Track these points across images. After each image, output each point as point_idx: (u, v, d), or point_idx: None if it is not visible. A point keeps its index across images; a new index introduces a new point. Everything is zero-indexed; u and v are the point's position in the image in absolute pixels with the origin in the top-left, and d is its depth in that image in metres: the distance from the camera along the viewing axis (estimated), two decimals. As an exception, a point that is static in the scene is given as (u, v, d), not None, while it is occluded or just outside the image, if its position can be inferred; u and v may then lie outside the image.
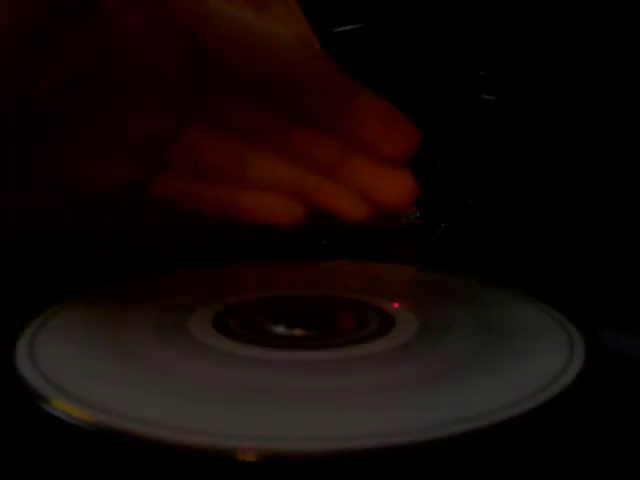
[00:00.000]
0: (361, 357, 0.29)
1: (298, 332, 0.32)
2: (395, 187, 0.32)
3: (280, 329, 0.32)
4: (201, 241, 0.43)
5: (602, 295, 0.34)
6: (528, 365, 0.29)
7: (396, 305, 0.35)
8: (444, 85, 0.41)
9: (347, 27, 0.42)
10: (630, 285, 0.35)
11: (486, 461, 0.23)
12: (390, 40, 0.42)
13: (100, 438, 0.23)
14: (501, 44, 0.37)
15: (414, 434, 0.23)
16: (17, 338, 0.29)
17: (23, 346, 0.29)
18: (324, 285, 0.38)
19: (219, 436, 0.23)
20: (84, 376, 0.27)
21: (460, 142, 0.42)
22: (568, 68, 0.36)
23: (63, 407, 0.25)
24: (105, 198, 0.33)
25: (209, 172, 0.34)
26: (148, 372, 0.28)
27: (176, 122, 0.33)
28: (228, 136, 0.34)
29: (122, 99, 0.32)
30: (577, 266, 0.37)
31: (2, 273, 0.35)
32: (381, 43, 0.43)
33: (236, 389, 0.27)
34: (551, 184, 0.39)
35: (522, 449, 0.24)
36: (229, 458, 0.22)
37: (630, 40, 0.33)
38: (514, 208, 0.40)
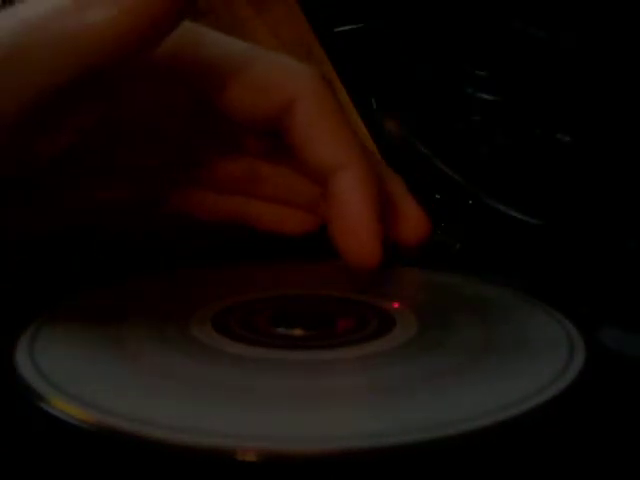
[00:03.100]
0: (361, 357, 0.29)
1: (298, 332, 0.32)
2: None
3: (280, 329, 0.32)
4: (201, 241, 0.43)
5: (602, 295, 0.34)
6: (528, 365, 0.29)
7: (396, 305, 0.35)
8: (444, 85, 0.41)
9: (347, 27, 0.42)
10: (630, 285, 0.35)
11: (486, 461, 0.23)
12: (390, 40, 0.42)
13: (100, 438, 0.23)
14: (501, 43, 0.37)
15: (414, 434, 0.23)
16: (17, 338, 0.29)
17: (23, 346, 0.29)
18: (324, 285, 0.38)
19: (219, 436, 0.23)
20: (84, 376, 0.27)
21: (460, 142, 0.42)
22: (568, 68, 0.36)
23: (63, 407, 0.25)
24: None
25: (224, 184, 0.35)
26: (148, 372, 0.28)
27: (176, 162, 0.34)
28: (242, 152, 0.34)
29: (122, 150, 0.33)
30: (577, 266, 0.37)
31: (2, 273, 0.35)
32: (381, 43, 0.43)
33: (236, 389, 0.27)
34: (550, 184, 0.39)
35: (522, 449, 0.24)
36: (229, 458, 0.22)
37: (630, 40, 0.33)
38: (514, 208, 0.40)
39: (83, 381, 0.26)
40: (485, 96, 0.39)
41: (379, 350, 0.30)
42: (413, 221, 0.33)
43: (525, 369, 0.28)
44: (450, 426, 0.24)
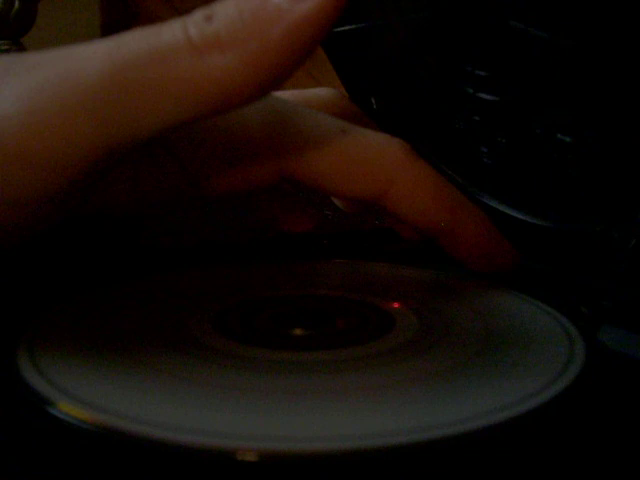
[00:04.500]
0: (361, 357, 0.29)
1: (298, 332, 0.32)
2: None
3: (280, 329, 0.32)
4: (201, 241, 0.43)
5: (602, 295, 0.34)
6: (528, 365, 0.29)
7: (396, 305, 0.35)
8: (444, 85, 0.41)
9: (347, 27, 0.42)
10: (630, 285, 0.35)
11: (486, 461, 0.23)
12: (390, 40, 0.42)
13: (100, 438, 0.23)
14: (501, 43, 0.37)
15: (414, 434, 0.23)
16: (18, 339, 0.29)
17: (24, 347, 0.29)
18: (324, 285, 0.38)
19: (219, 436, 0.23)
20: (84, 377, 0.27)
21: (460, 142, 0.42)
22: (568, 68, 0.36)
23: (64, 408, 0.25)
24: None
25: None
26: (148, 372, 0.28)
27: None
28: None
29: None
30: (577, 266, 0.37)
31: (2, 273, 0.35)
32: (381, 43, 0.43)
33: (236, 389, 0.27)
34: (551, 184, 0.39)
35: (522, 449, 0.24)
36: (229, 458, 0.22)
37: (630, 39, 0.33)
38: (514, 208, 0.40)
39: (83, 382, 0.26)
40: (485, 96, 0.39)
41: (379, 350, 0.30)
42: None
43: (525, 369, 0.28)
44: (450, 426, 0.24)
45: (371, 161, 0.32)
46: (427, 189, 0.32)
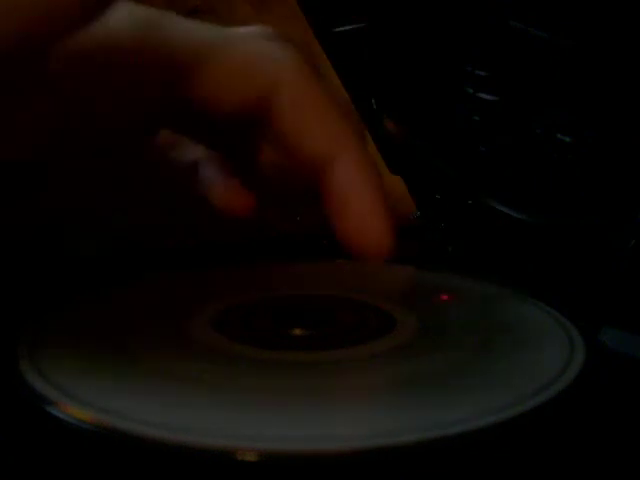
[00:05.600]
0: (361, 357, 0.29)
1: (298, 332, 0.32)
2: None
3: (280, 329, 0.32)
4: (201, 241, 0.43)
5: (602, 295, 0.34)
6: (528, 365, 0.29)
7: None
8: (444, 85, 0.41)
9: (347, 27, 0.42)
10: (630, 285, 0.35)
11: (486, 461, 0.23)
12: (390, 40, 0.42)
13: (100, 439, 0.23)
14: (501, 43, 0.37)
15: (414, 434, 0.23)
16: (18, 339, 0.29)
17: (24, 348, 0.29)
18: (324, 285, 0.38)
19: (219, 436, 0.23)
20: (84, 377, 0.27)
21: (460, 142, 0.42)
22: (568, 68, 0.36)
23: (64, 408, 0.25)
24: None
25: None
26: (148, 372, 0.28)
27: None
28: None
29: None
30: (577, 266, 0.37)
31: (2, 273, 0.35)
32: (381, 43, 0.43)
33: (236, 389, 0.27)
34: (551, 184, 0.39)
35: (522, 449, 0.24)
36: (229, 458, 0.22)
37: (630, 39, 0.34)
38: (514, 208, 0.40)
39: (83, 382, 0.26)
40: (485, 96, 0.39)
41: (379, 350, 0.30)
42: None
43: (525, 369, 0.28)
44: (450, 426, 0.24)
45: (252, 66, 0.29)
46: (313, 106, 0.28)
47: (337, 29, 0.42)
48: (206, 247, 0.43)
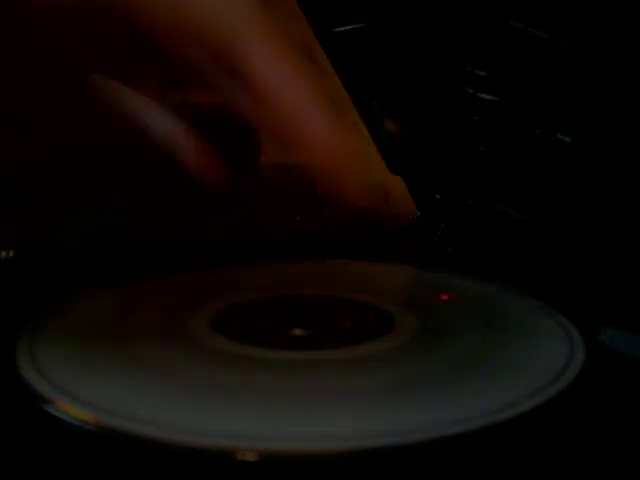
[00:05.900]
0: (361, 357, 0.29)
1: (298, 332, 0.32)
2: None
3: (280, 329, 0.32)
4: (201, 241, 0.43)
5: (602, 296, 0.34)
6: (528, 365, 0.29)
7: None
8: (444, 85, 0.41)
9: (347, 27, 0.42)
10: (630, 285, 0.35)
11: (486, 461, 0.23)
12: (390, 40, 0.42)
13: (100, 438, 0.23)
14: (501, 43, 0.37)
15: (414, 434, 0.23)
16: (17, 339, 0.29)
17: (23, 347, 0.29)
18: (324, 285, 0.38)
19: (219, 436, 0.23)
20: (84, 377, 0.27)
21: (460, 142, 0.42)
22: (568, 68, 0.36)
23: (63, 408, 0.25)
24: None
25: None
26: (148, 372, 0.28)
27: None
28: None
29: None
30: (577, 266, 0.37)
31: (2, 273, 0.35)
32: (381, 43, 0.43)
33: (236, 389, 0.27)
34: (551, 184, 0.39)
35: (522, 449, 0.24)
36: (229, 458, 0.22)
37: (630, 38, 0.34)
38: (514, 208, 0.40)
39: (83, 382, 0.26)
40: (485, 96, 0.39)
41: (379, 350, 0.30)
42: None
43: (525, 369, 0.28)
44: (450, 426, 0.24)
45: (214, 13, 0.29)
46: (276, 49, 0.29)
47: (337, 29, 0.42)
48: (206, 247, 0.43)
